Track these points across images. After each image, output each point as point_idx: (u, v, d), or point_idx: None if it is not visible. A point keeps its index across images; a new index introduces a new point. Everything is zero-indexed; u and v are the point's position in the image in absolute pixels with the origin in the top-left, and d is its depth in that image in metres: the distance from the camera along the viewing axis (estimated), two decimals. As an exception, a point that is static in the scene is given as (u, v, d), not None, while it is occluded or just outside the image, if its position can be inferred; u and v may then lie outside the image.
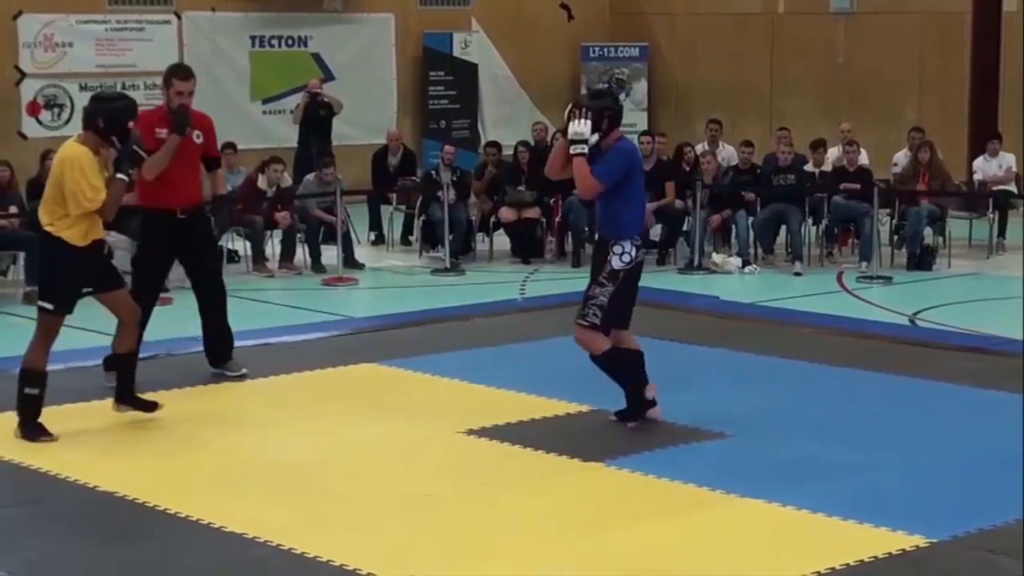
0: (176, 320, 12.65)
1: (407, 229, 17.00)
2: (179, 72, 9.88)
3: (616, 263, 8.33)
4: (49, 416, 8.83)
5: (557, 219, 16.03)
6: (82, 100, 18.47)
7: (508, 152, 17.16)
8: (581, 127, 8.29)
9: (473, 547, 6.60)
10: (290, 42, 20.30)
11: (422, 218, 16.18)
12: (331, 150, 17.55)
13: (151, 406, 8.75)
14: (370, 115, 20.17)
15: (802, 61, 20.63)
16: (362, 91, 20.28)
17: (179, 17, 19.36)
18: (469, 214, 16.16)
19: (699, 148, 16.89)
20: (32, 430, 8.31)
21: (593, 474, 7.69)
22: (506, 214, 16.01)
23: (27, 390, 8.35)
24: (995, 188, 16.61)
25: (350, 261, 15.28)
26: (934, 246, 15.61)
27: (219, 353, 9.93)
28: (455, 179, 16.02)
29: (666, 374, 8.94)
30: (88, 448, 8.16)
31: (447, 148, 16.92)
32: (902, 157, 16.95)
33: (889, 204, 16.11)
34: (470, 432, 8.40)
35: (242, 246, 15.53)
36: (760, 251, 15.73)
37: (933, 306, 13.10)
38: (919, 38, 19.51)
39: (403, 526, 6.88)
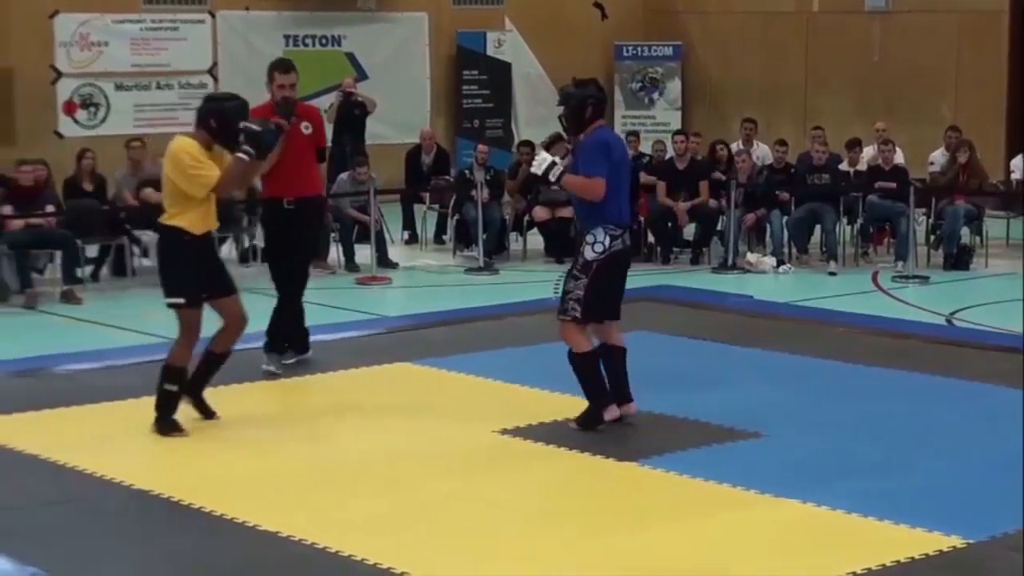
0: (208, 319, 12.69)
1: (440, 228, 17.01)
2: (280, 66, 10.15)
3: (588, 253, 8.28)
4: (86, 414, 8.89)
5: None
6: (117, 99, 18.62)
7: (542, 151, 17.13)
8: (537, 163, 8.48)
9: (507, 546, 6.59)
10: (324, 41, 20.33)
11: (455, 217, 16.19)
12: (365, 149, 17.57)
13: (210, 414, 8.69)
14: (404, 114, 20.18)
15: (837, 59, 20.55)
16: (396, 90, 20.29)
17: (213, 16, 19.42)
18: (503, 213, 16.16)
19: (733, 147, 16.85)
20: (165, 425, 8.31)
21: (627, 474, 7.67)
22: (540, 213, 16.00)
23: (165, 386, 8.35)
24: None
25: (384, 260, 15.29)
26: (971, 245, 15.54)
27: (290, 342, 10.12)
28: (489, 178, 16.01)
29: (700, 374, 8.94)
30: (125, 447, 8.19)
31: (480, 147, 16.93)
32: (939, 156, 16.87)
33: (925, 203, 16.04)
34: (504, 432, 8.39)
35: (276, 245, 15.54)
36: (794, 250, 15.68)
37: (970, 306, 13.03)
38: (955, 36, 19.42)
39: (436, 525, 6.88)
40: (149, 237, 14.52)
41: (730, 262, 15.24)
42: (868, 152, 16.73)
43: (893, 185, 15.49)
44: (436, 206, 17.14)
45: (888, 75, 19.97)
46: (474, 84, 21.41)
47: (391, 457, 8.02)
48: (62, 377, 9.94)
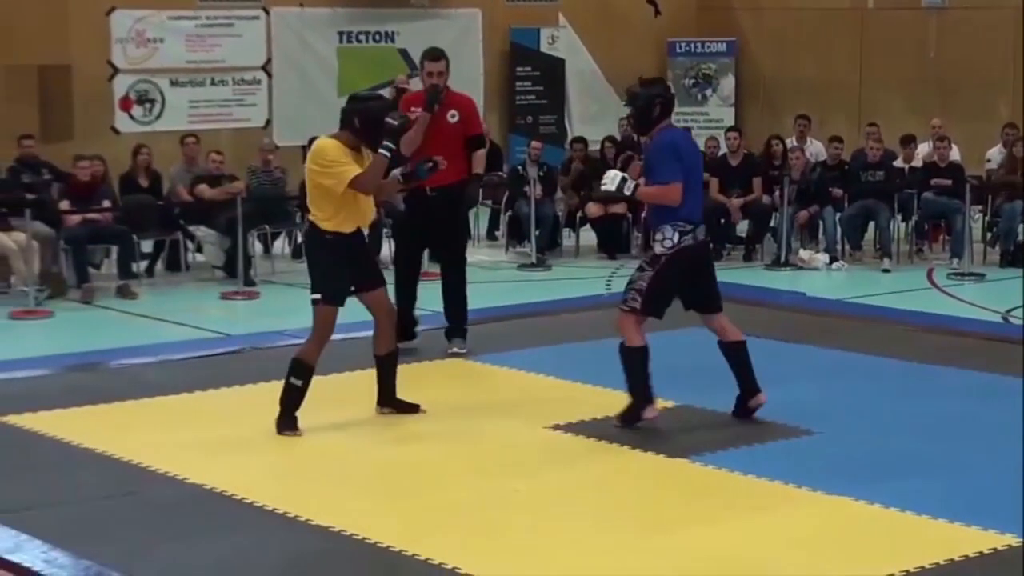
0: (262, 314, 12.79)
1: (493, 224, 17.03)
2: (429, 54, 10.40)
3: (658, 248, 8.30)
4: (138, 409, 8.96)
5: (643, 214, 15.97)
6: (172, 96, 18.73)
7: (595, 147, 17.14)
8: (609, 180, 8.44)
9: (557, 542, 6.60)
10: (377, 37, 20.38)
11: (508, 213, 16.20)
12: (418, 145, 17.58)
13: (412, 408, 8.72)
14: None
15: (892, 56, 20.42)
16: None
17: (267, 13, 19.49)
18: (555, 209, 16.16)
19: (788, 143, 16.78)
20: (285, 422, 8.31)
21: (678, 470, 7.66)
22: (592, 209, 16.00)
23: (292, 380, 8.34)
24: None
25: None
26: (1028, 243, 15.42)
27: (449, 329, 10.37)
28: (542, 174, 16.02)
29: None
30: (179, 441, 8.22)
31: (534, 143, 16.93)
32: (995, 153, 16.74)
33: (982, 200, 15.92)
34: (556, 427, 8.40)
35: (329, 241, 15.60)
36: (847, 247, 15.61)
37: (1026, 304, 12.94)
38: (1012, 33, 19.24)
39: (487, 521, 6.89)
40: (203, 232, 14.63)
41: (783, 259, 15.19)
42: (923, 149, 16.62)
43: (949, 182, 15.39)
44: (489, 202, 17.16)
45: (944, 72, 19.82)
46: (527, 80, 21.40)
47: (443, 453, 8.03)
48: (117, 372, 10.02)
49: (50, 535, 6.58)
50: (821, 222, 15.66)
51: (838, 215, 15.54)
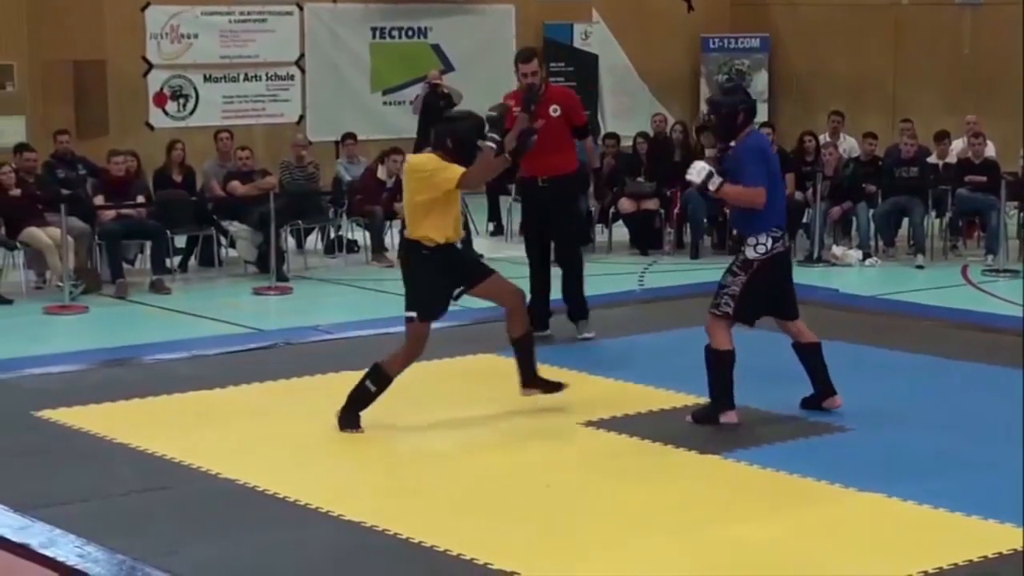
0: (295, 309, 12.82)
1: (526, 220, 17.00)
2: (521, 56, 10.61)
3: (750, 253, 8.30)
4: (172, 404, 8.99)
5: (676, 210, 15.97)
6: (206, 91, 18.80)
7: (627, 143, 17.11)
8: (695, 172, 8.37)
9: (589, 538, 6.60)
10: (410, 33, 20.40)
11: (541, 209, 16.17)
12: (451, 141, 17.59)
13: (556, 387, 8.68)
14: (489, 106, 20.14)
15: (926, 52, 20.32)
16: (482, 82, 20.25)
17: (301, 9, 19.54)
18: (588, 205, 16.13)
19: (821, 139, 16.73)
20: (348, 419, 8.28)
21: (711, 467, 7.66)
22: (625, 205, 15.97)
23: (367, 383, 8.31)
24: None
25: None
26: (1064, 239, 15.34)
27: (572, 314, 10.74)
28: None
29: (786, 367, 8.87)
30: (212, 437, 8.26)
31: (566, 139, 16.89)
32: (1031, 149, 16.65)
33: (1017, 196, 15.85)
34: (588, 423, 8.40)
35: (362, 236, 15.66)
36: (881, 244, 15.55)
37: (1061, 300, 12.87)
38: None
39: (520, 516, 6.89)
40: (236, 228, 14.67)
41: (816, 255, 15.15)
42: (957, 145, 16.55)
43: (983, 178, 15.31)
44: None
45: (979, 68, 19.71)
46: (560, 76, 21.33)
47: (477, 448, 8.05)
48: (151, 367, 10.06)
49: (84, 530, 6.62)
50: (854, 218, 15.60)
51: (871, 211, 15.49)
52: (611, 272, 14.57)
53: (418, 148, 17.93)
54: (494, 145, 8.31)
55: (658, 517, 6.90)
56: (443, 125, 8.52)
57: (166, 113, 18.66)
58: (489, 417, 8.62)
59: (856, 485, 7.20)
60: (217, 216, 14.83)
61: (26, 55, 17.64)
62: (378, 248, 15.27)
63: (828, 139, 16.78)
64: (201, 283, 14.29)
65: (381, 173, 15.57)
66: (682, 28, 21.87)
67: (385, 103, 20.16)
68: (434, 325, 11.32)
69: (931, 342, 10.54)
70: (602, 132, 19.63)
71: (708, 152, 8.61)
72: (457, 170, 8.17)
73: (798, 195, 15.67)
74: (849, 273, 14.64)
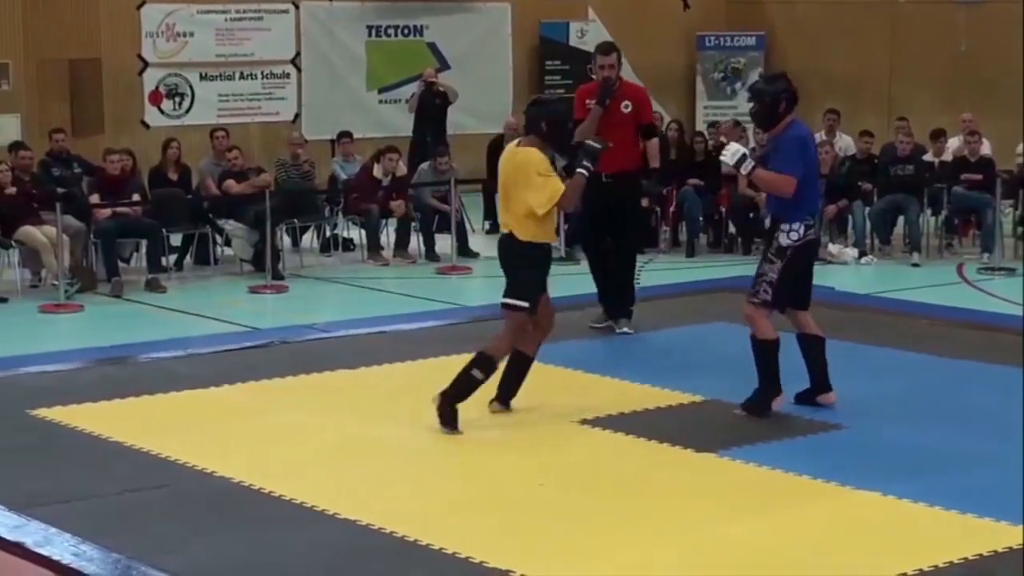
0: (290, 308, 12.82)
1: (522, 218, 16.99)
2: (600, 48, 10.77)
3: (784, 240, 8.35)
4: (168, 402, 8.99)
5: (671, 208, 15.97)
6: (202, 89, 18.79)
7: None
8: (729, 154, 8.43)
9: (585, 537, 6.60)
10: (406, 31, 20.39)
11: (536, 207, 16.16)
12: (446, 139, 17.62)
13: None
14: (485, 104, 20.19)
15: (923, 50, 20.32)
16: (477, 80, 20.32)
17: (297, 7, 19.53)
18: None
19: (817, 137, 16.72)
20: (450, 415, 8.23)
21: (707, 465, 7.65)
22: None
23: (473, 371, 8.27)
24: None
25: (464, 250, 15.32)
26: (1059, 237, 15.33)
27: (614, 309, 10.78)
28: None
29: (782, 366, 8.87)
30: (208, 436, 8.26)
31: (563, 137, 16.88)
32: (1026, 147, 16.66)
33: (1013, 195, 15.85)
34: (584, 421, 8.40)
35: (357, 235, 15.66)
36: (876, 242, 15.55)
37: (1057, 298, 12.87)
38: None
39: (517, 515, 6.89)
40: (231, 226, 14.67)
41: (812, 253, 15.14)
42: (953, 143, 16.55)
43: (979, 176, 15.32)
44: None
45: (976, 66, 19.70)
46: (556, 74, 21.37)
47: (472, 446, 8.04)
48: (146, 365, 10.06)
49: (79, 528, 6.61)
50: (850, 216, 15.61)
51: (867, 209, 15.49)
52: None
53: (414, 146, 18.00)
54: (586, 174, 8.34)
55: (654, 515, 6.89)
56: (536, 108, 8.50)
57: (162, 111, 18.65)
58: (485, 416, 8.60)
59: (852, 483, 7.20)
60: (213, 214, 14.83)
61: (21, 53, 17.62)
62: (374, 246, 15.27)
63: (824, 137, 16.77)
64: (197, 282, 14.29)
65: (377, 171, 15.57)
66: (678, 26, 21.87)
67: (381, 101, 20.16)
68: (428, 324, 11.43)
69: (927, 340, 10.54)
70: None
71: (727, 154, 8.53)
72: (559, 187, 8.17)
73: (794, 193, 15.67)
74: (845, 271, 14.64)
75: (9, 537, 6.55)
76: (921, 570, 6.08)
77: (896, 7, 20.68)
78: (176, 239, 14.72)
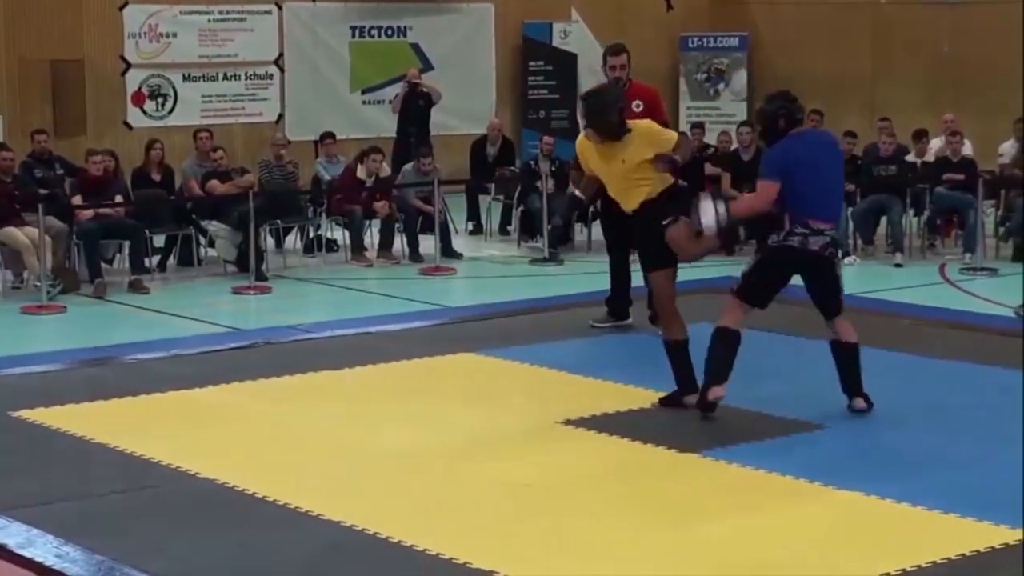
0: (274, 309, 12.81)
1: (505, 219, 17.03)
2: (610, 49, 10.79)
3: (771, 238, 8.36)
4: (151, 404, 8.97)
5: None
6: (185, 90, 18.77)
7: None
8: (705, 223, 8.31)
9: (568, 537, 6.60)
10: (390, 32, 20.40)
11: (520, 208, 16.21)
12: (430, 140, 17.63)
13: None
14: (469, 105, 20.22)
15: (905, 51, 20.38)
16: (461, 81, 20.34)
17: (280, 8, 19.52)
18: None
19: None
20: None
21: (689, 465, 7.66)
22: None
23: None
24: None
25: (448, 251, 15.33)
26: (1041, 237, 15.37)
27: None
28: (554, 169, 16.01)
29: (763, 365, 8.91)
30: (191, 437, 8.24)
31: (546, 138, 16.93)
32: (1008, 147, 16.71)
33: (994, 195, 15.89)
34: (567, 422, 8.40)
35: (341, 236, 15.65)
36: (859, 242, 15.58)
37: (1038, 299, 12.91)
38: (1025, 27, 19.20)
39: (499, 516, 6.90)
40: (215, 227, 14.65)
41: (795, 253, 15.15)
42: (936, 144, 16.60)
43: (961, 177, 15.36)
44: (501, 197, 17.16)
45: (958, 66, 19.77)
46: (540, 75, 21.41)
47: (455, 447, 8.04)
48: (130, 367, 10.04)
49: (62, 530, 6.60)
50: (833, 217, 15.61)
51: (850, 209, 15.51)
52: (591, 271, 14.54)
53: (397, 147, 18.01)
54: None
55: (636, 516, 6.90)
56: (580, 102, 9.02)
57: (144, 112, 18.63)
58: (468, 416, 8.62)
59: (834, 483, 7.21)
60: (196, 215, 14.81)
61: (3, 54, 17.60)
62: (357, 247, 15.26)
63: (807, 138, 16.80)
64: (180, 283, 14.27)
65: (360, 172, 15.57)
66: (661, 27, 21.89)
67: (364, 102, 20.16)
68: (412, 324, 11.43)
69: (909, 340, 10.56)
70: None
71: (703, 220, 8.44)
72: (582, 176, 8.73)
73: (777, 194, 15.69)
74: (828, 271, 14.63)
75: (-8, 539, 6.54)
76: (904, 570, 6.09)
77: (878, 8, 20.74)
78: (159, 240, 14.70)
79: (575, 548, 6.46)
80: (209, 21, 19.02)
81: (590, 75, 21.48)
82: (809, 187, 8.29)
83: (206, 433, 8.34)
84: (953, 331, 10.98)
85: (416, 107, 18.36)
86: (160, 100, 18.75)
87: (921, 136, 16.54)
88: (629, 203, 8.65)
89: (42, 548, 6.41)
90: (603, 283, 13.49)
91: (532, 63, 21.38)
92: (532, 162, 16.72)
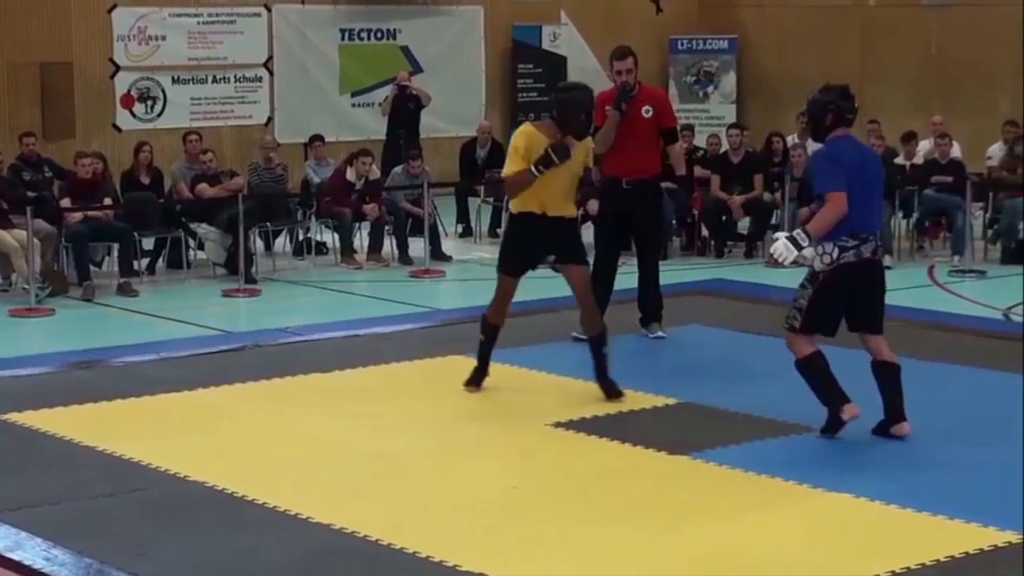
0: (263, 311, 12.81)
1: (495, 222, 17.03)
2: (616, 53, 10.56)
3: (817, 264, 8.07)
4: (140, 406, 8.96)
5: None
6: (174, 93, 18.75)
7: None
8: (779, 252, 8.09)
9: (557, 539, 6.60)
10: (379, 35, 20.40)
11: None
12: (419, 143, 17.61)
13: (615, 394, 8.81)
14: (458, 108, 20.21)
15: (893, 53, 20.41)
16: (450, 84, 20.34)
17: (269, 10, 19.51)
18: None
19: (789, 141, 16.78)
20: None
21: (680, 467, 7.67)
22: (593, 206, 15.91)
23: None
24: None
25: (437, 253, 15.32)
26: (1029, 240, 15.39)
27: (645, 316, 10.71)
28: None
29: (753, 367, 8.91)
30: (180, 440, 8.23)
31: (535, 141, 16.90)
32: (996, 149, 16.73)
33: (983, 197, 15.92)
34: (557, 425, 8.40)
35: (330, 238, 15.64)
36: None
37: (1027, 301, 12.93)
38: (1014, 29, 19.22)
39: (489, 518, 6.89)
40: (204, 230, 14.63)
41: (785, 256, 15.16)
42: (924, 146, 16.62)
43: (949, 179, 15.38)
44: (491, 199, 17.16)
45: (946, 69, 19.81)
46: (529, 78, 21.41)
47: (444, 450, 8.04)
48: (118, 369, 10.03)
49: (51, 533, 6.59)
50: (822, 219, 15.62)
51: (839, 212, 15.51)
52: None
53: (387, 150, 18.00)
54: (536, 174, 8.62)
55: (627, 518, 6.90)
56: (555, 93, 9.05)
57: (133, 115, 18.61)
58: (457, 419, 8.62)
59: (824, 485, 7.22)
60: (185, 218, 14.79)
61: (-8, 57, 17.58)
62: (347, 250, 15.25)
63: (797, 140, 16.81)
64: (169, 285, 14.25)
65: (350, 175, 15.56)
66: (651, 29, 21.90)
67: (354, 105, 20.15)
68: (402, 327, 11.42)
69: (897, 342, 10.50)
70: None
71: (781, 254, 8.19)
72: (511, 170, 8.72)
73: (766, 196, 15.72)
74: (817, 274, 14.64)
75: (-20, 542, 6.53)
76: (893, 572, 6.10)
77: (867, 10, 20.77)
78: (148, 243, 14.68)
79: (565, 550, 6.45)
80: (198, 24, 19.00)
81: (579, 77, 21.49)
82: (857, 197, 8.03)
83: (195, 436, 8.32)
84: (941, 333, 10.99)
85: (406, 110, 18.35)
86: (149, 103, 18.72)
87: (910, 138, 16.56)
88: (565, 208, 8.62)
89: (30, 551, 6.40)
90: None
91: (521, 66, 21.38)
92: (522, 165, 16.69)
